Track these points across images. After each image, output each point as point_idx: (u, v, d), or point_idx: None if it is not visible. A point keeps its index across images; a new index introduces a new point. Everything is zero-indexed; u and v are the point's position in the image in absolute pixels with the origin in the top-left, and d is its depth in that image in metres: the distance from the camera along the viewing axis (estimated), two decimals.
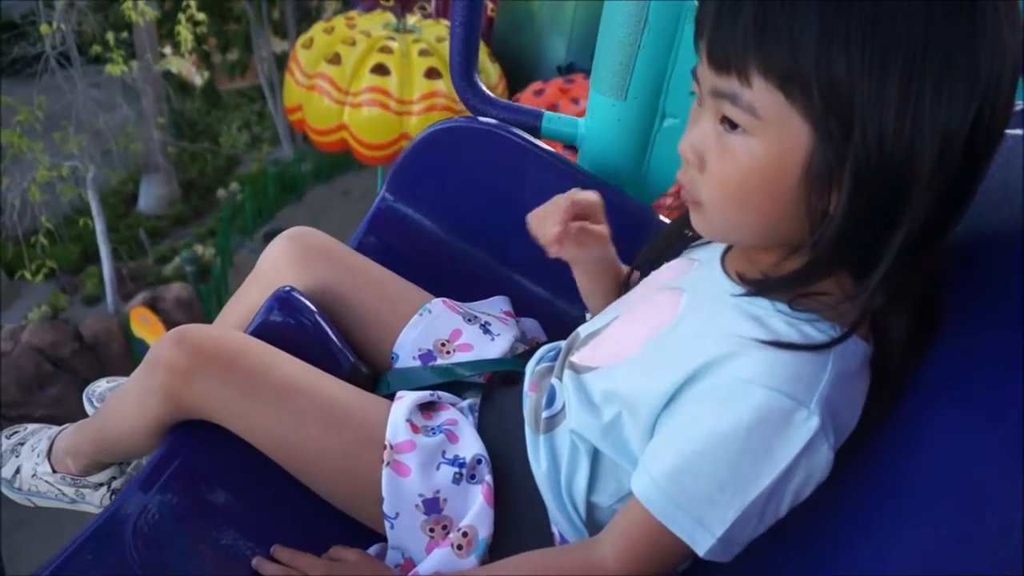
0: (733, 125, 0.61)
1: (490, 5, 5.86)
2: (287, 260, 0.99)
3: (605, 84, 1.19)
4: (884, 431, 0.67)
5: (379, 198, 1.21)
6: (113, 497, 0.97)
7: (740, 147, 0.61)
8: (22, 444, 1.03)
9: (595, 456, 0.77)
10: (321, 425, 0.81)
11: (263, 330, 0.90)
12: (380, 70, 5.42)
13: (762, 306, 0.67)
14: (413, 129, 5.41)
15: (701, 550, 0.64)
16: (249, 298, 1.01)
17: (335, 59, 5.57)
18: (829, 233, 0.60)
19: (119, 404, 0.89)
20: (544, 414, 0.82)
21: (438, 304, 1.01)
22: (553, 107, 4.60)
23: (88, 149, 6.44)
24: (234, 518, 0.82)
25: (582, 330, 0.87)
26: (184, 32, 6.17)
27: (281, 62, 10.98)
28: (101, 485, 0.99)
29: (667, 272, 0.83)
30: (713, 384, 0.65)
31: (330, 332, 0.93)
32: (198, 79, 9.28)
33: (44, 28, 5.79)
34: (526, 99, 4.97)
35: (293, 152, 10.31)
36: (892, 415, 0.67)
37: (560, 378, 0.83)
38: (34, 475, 0.99)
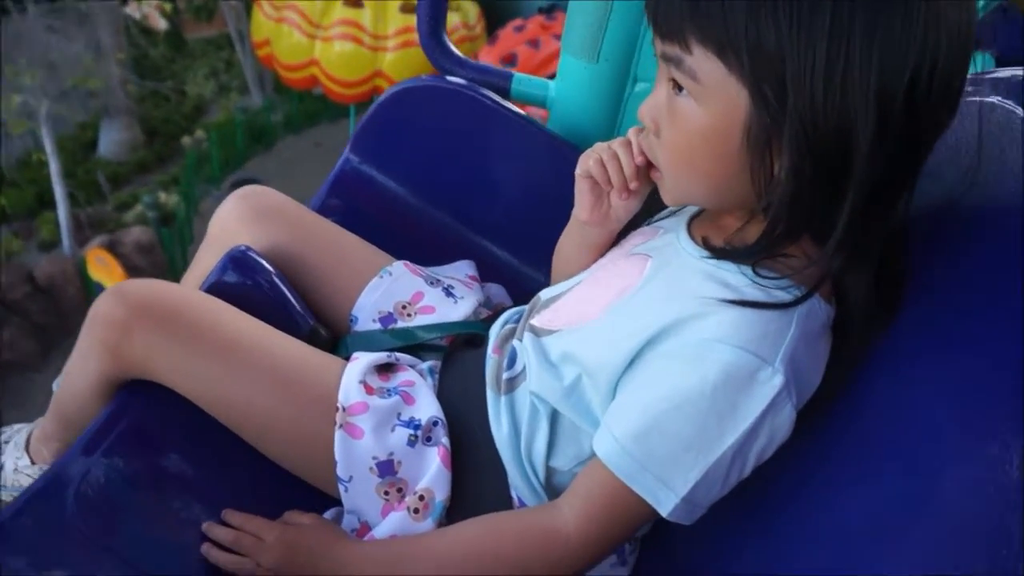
0: (680, 88, 0.64)
1: None
2: (238, 221, 0.97)
3: (576, 46, 1.19)
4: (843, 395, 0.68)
5: (342, 159, 1.19)
6: None
7: (686, 110, 0.64)
8: (7, 443, 1.01)
9: (555, 418, 0.77)
10: (271, 384, 0.80)
11: (217, 290, 0.87)
12: (353, 2, 5.20)
13: (728, 269, 0.69)
14: (388, 66, 5.21)
15: (665, 511, 0.65)
16: (203, 263, 0.98)
17: None
18: (778, 197, 0.62)
19: (67, 372, 0.89)
20: (505, 375, 0.82)
21: (399, 266, 1.00)
22: (534, 43, 4.42)
23: (42, 82, 6.10)
24: (183, 482, 0.80)
25: (543, 294, 0.88)
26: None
27: (250, 8, 10.61)
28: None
29: (634, 239, 0.85)
30: (679, 344, 0.66)
31: (288, 293, 0.91)
32: (162, 23, 8.89)
33: None
34: (506, 36, 4.81)
35: (263, 101, 9.99)
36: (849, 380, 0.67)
37: (520, 339, 0.83)
38: (15, 470, 0.97)
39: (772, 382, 0.62)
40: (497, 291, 1.11)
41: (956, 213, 0.70)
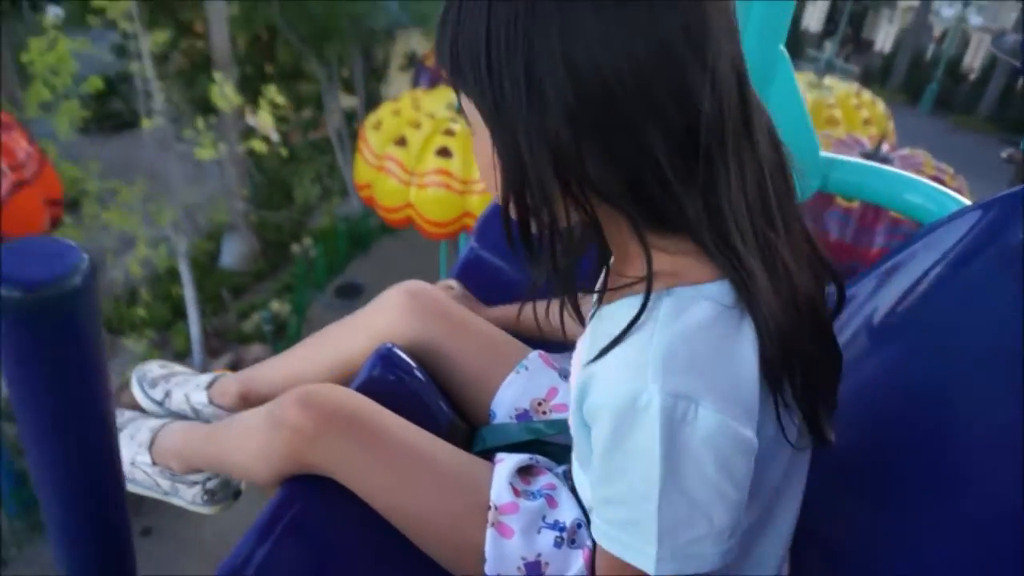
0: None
1: None
2: (402, 314, 1.00)
3: None
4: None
5: (467, 248, 1.27)
6: (206, 496, 1.04)
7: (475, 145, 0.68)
8: (120, 430, 1.07)
9: None
10: (429, 486, 0.84)
11: (368, 387, 0.92)
12: (444, 153, 5.83)
13: (596, 318, 0.69)
14: (474, 207, 5.79)
15: (652, 569, 0.61)
16: (354, 342, 1.02)
17: (402, 142, 6.02)
18: (546, 225, 0.63)
19: (240, 445, 0.92)
20: None
21: (535, 359, 1.00)
22: None
23: (181, 220, 7.04)
24: (342, 571, 0.85)
25: None
26: (265, 115, 6.71)
27: (350, 118, 11.65)
28: (196, 483, 1.04)
29: None
30: (586, 416, 0.64)
31: (430, 389, 0.97)
32: (275, 135, 9.91)
33: (146, 123, 6.38)
34: None
35: (361, 206, 10.89)
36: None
37: None
38: (132, 463, 1.04)
39: (652, 403, 0.56)
40: None
41: None
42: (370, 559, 0.87)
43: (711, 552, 0.60)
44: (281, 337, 8.14)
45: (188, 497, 1.04)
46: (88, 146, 12.42)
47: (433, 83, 7.96)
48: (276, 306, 8.68)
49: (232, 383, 1.10)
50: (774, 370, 0.61)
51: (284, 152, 7.94)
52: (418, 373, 0.96)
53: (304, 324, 8.70)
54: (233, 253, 9.58)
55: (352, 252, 10.41)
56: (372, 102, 11.49)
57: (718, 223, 0.61)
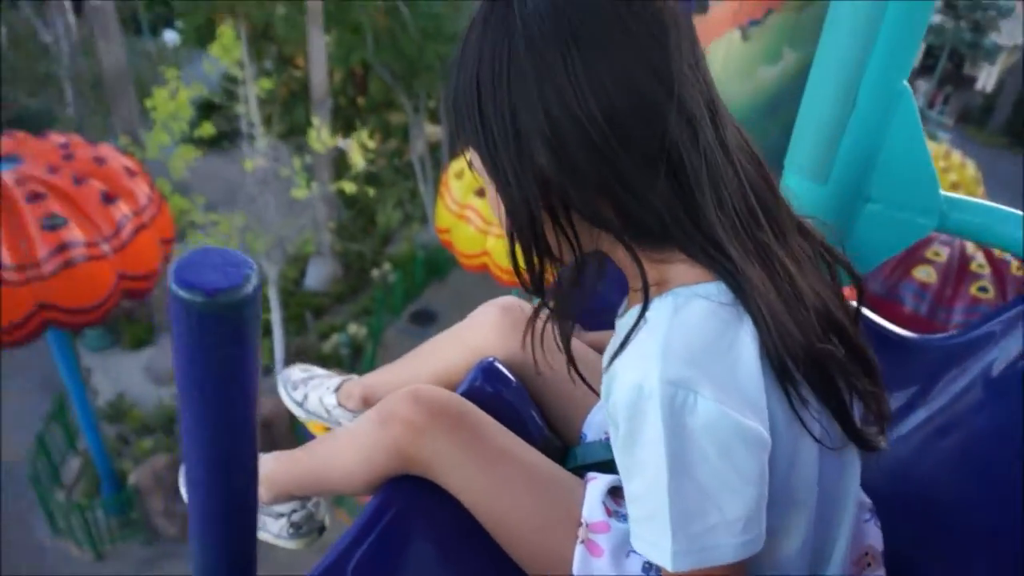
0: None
1: None
2: (496, 330, 1.01)
3: (803, 166, 1.14)
4: None
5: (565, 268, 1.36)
6: (291, 530, 1.05)
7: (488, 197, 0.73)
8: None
9: None
10: (525, 494, 0.84)
11: (468, 395, 0.94)
12: None
13: (616, 330, 0.73)
14: None
15: (669, 564, 0.62)
16: (447, 355, 1.05)
17: (481, 192, 6.32)
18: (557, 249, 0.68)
19: (341, 450, 0.93)
20: None
21: None
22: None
23: (271, 250, 7.54)
24: (441, 570, 0.88)
25: None
26: (356, 158, 7.14)
27: (434, 149, 12.11)
28: (282, 515, 1.04)
29: None
30: (609, 418, 0.67)
31: (527, 404, 0.98)
32: (361, 163, 10.38)
33: (248, 164, 6.87)
34: None
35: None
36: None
37: None
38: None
39: (653, 392, 0.59)
40: None
41: None
42: (462, 564, 0.88)
43: (726, 543, 0.61)
44: (358, 360, 8.55)
45: (274, 530, 1.05)
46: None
47: None
48: (353, 329, 9.12)
49: (356, 386, 1.13)
50: (779, 364, 0.63)
51: (371, 192, 8.33)
52: (516, 387, 0.98)
53: (379, 349, 9.10)
54: (317, 275, 10.12)
55: (428, 279, 10.79)
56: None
57: (704, 235, 0.64)
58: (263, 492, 0.99)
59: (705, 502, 0.60)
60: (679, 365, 0.60)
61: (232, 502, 0.60)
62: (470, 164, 0.71)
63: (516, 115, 0.63)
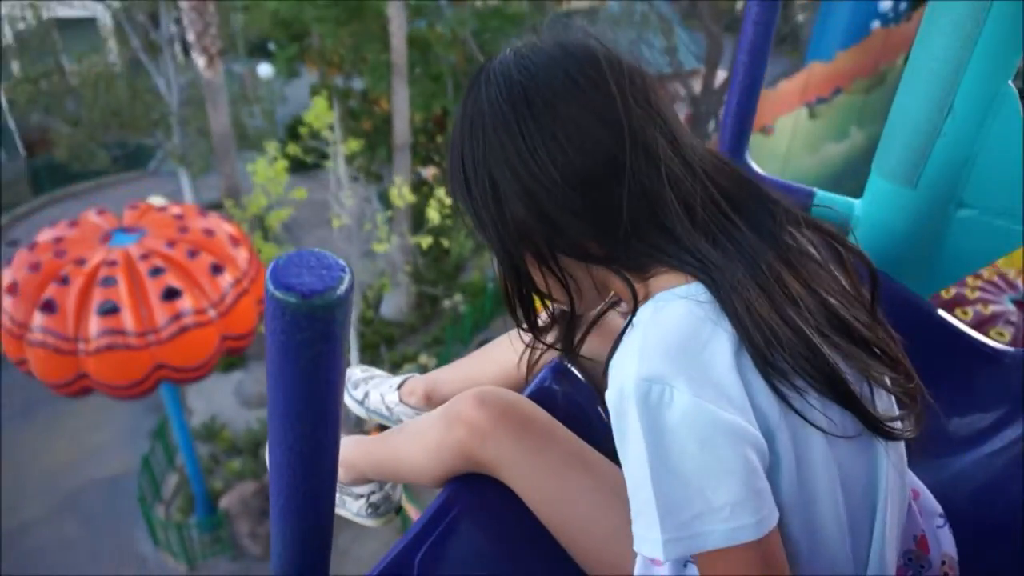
0: None
1: None
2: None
3: (892, 169, 1.10)
4: None
5: None
6: (369, 509, 1.07)
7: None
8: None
9: None
10: (589, 498, 0.83)
11: (538, 395, 0.94)
12: None
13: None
14: None
15: (660, 554, 0.62)
16: (512, 354, 1.02)
17: None
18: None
19: (412, 443, 0.94)
20: None
21: None
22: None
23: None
24: (499, 571, 0.87)
25: None
26: (432, 213, 7.63)
27: None
28: (360, 496, 1.07)
29: None
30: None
31: (595, 405, 0.97)
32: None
33: (336, 221, 7.45)
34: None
35: None
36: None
37: None
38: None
39: (630, 389, 0.61)
40: None
41: None
42: (525, 563, 0.88)
43: (714, 529, 0.61)
44: None
45: (354, 509, 1.07)
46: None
47: None
48: (424, 359, 9.63)
49: (419, 383, 1.16)
50: (760, 357, 0.63)
51: (446, 244, 8.83)
52: (585, 387, 0.98)
53: None
54: (391, 306, 10.71)
55: (496, 310, 11.18)
56: None
57: (679, 247, 0.68)
58: (342, 473, 1.03)
59: (688, 491, 0.61)
60: (654, 361, 0.62)
61: (313, 485, 0.61)
62: (469, 227, 0.78)
63: (494, 183, 0.70)
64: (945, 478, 0.81)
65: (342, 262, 0.49)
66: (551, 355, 0.93)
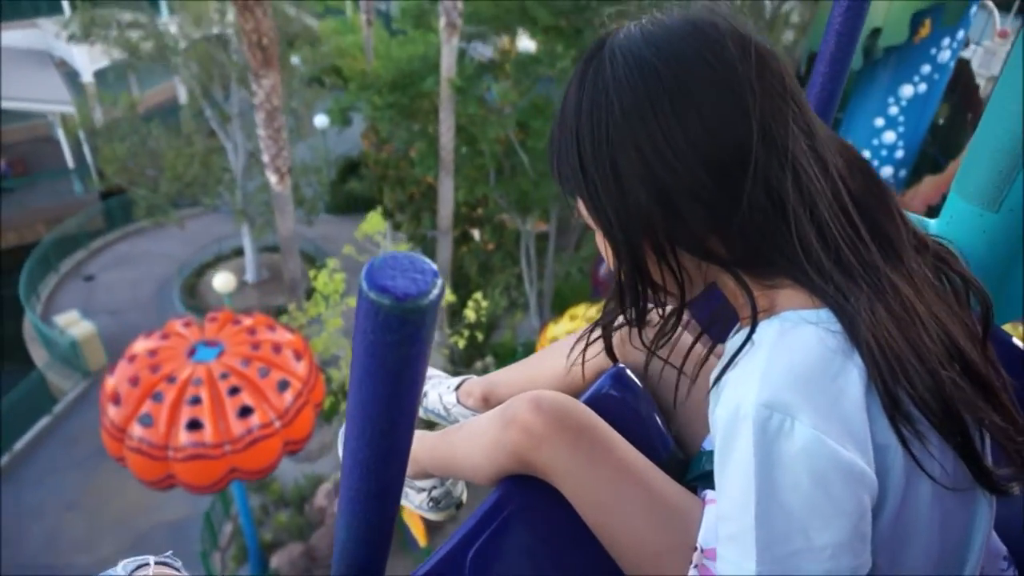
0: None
1: None
2: (622, 335, 0.99)
3: (974, 191, 1.09)
4: None
5: None
6: (431, 503, 1.11)
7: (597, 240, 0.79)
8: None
9: None
10: (640, 512, 0.82)
11: (596, 401, 0.94)
12: None
13: (725, 349, 0.73)
14: None
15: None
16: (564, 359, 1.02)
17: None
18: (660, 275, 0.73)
19: (469, 442, 0.95)
20: None
21: None
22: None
23: None
24: (548, 572, 0.89)
25: None
26: (470, 313, 8.51)
27: (540, 242, 13.31)
28: (423, 490, 1.11)
29: None
30: (712, 432, 0.71)
31: (654, 414, 0.97)
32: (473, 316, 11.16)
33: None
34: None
35: (540, 324, 12.49)
36: None
37: None
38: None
39: (748, 412, 0.60)
40: None
41: None
42: (575, 566, 0.89)
43: (811, 569, 0.59)
44: None
45: (416, 501, 1.11)
46: (328, 223, 15.05)
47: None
48: (480, 365, 10.41)
49: (476, 385, 1.16)
50: (890, 398, 0.61)
51: (480, 336, 9.68)
52: (644, 395, 0.97)
53: None
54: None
55: None
56: (562, 228, 13.15)
57: (806, 261, 0.65)
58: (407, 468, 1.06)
59: (792, 526, 0.59)
60: (778, 389, 0.60)
61: (383, 481, 0.62)
62: (577, 212, 0.77)
63: (616, 166, 0.68)
64: (1010, 517, 0.79)
65: (435, 267, 0.49)
66: (601, 359, 0.94)
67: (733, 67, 0.66)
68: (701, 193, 0.66)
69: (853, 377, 0.61)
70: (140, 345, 6.82)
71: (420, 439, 1.03)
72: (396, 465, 0.61)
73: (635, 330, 0.81)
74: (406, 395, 0.54)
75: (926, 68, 6.55)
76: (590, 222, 0.74)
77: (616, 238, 0.71)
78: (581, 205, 0.74)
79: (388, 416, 0.55)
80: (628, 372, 0.96)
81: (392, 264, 0.48)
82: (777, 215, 0.66)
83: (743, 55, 0.66)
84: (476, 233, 13.12)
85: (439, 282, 0.47)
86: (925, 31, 6.22)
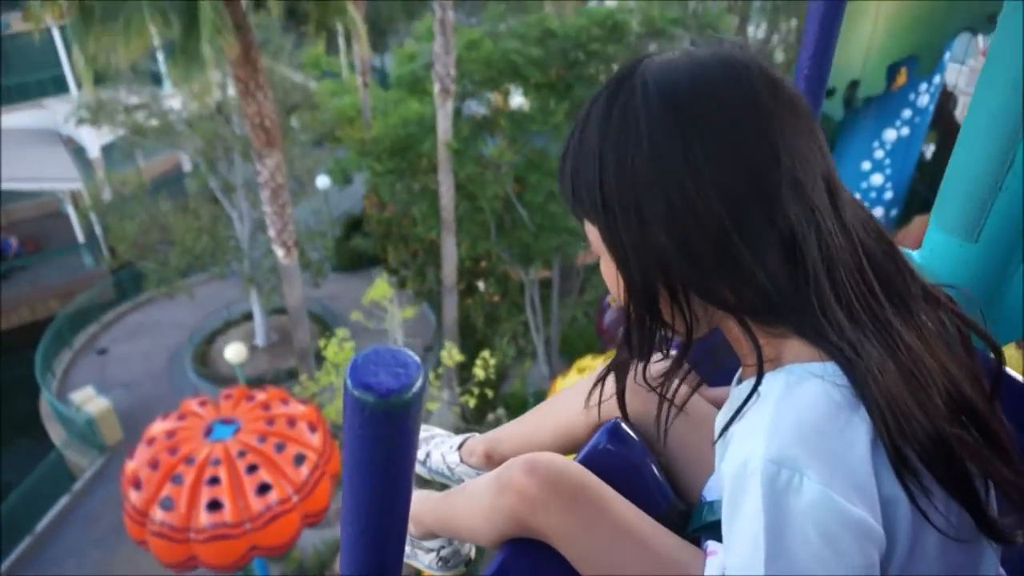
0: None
1: None
2: (631, 388, 0.97)
3: (951, 222, 1.09)
4: None
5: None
6: (440, 563, 1.11)
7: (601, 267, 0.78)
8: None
9: None
10: (642, 572, 0.82)
11: (592, 457, 0.94)
12: None
13: (729, 397, 0.75)
14: None
15: None
16: (571, 411, 1.03)
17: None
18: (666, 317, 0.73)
19: (468, 506, 0.95)
20: None
21: None
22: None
23: None
24: None
25: None
26: (479, 371, 8.64)
27: (544, 289, 13.50)
28: (431, 551, 1.11)
29: None
30: (720, 485, 0.69)
31: (652, 466, 0.97)
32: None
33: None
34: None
35: (549, 372, 12.61)
36: None
37: None
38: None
39: (756, 467, 0.60)
40: None
41: None
42: None
43: None
44: None
45: (426, 562, 1.11)
46: (335, 281, 15.27)
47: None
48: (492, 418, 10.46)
49: (479, 443, 1.16)
50: (896, 454, 0.61)
51: (490, 394, 9.80)
52: (641, 448, 0.97)
53: None
54: (438, 421, 11.73)
55: None
56: (565, 274, 13.34)
57: (818, 314, 0.64)
58: (413, 528, 1.06)
59: None
60: (786, 444, 0.60)
61: (380, 560, 0.63)
62: (585, 236, 0.76)
63: (641, 208, 0.66)
64: (1017, 562, 0.80)
65: (416, 359, 0.50)
66: (606, 408, 0.94)
67: (769, 115, 0.65)
68: (725, 244, 0.65)
69: (860, 431, 0.62)
70: (158, 427, 6.95)
71: (423, 500, 1.03)
72: (391, 544, 0.63)
73: (640, 368, 0.82)
74: (397, 480, 0.56)
75: (907, 113, 6.73)
76: (599, 248, 0.74)
77: (631, 273, 0.71)
78: (593, 230, 0.73)
79: (379, 502, 0.58)
80: (623, 425, 0.97)
81: (375, 360, 0.49)
82: (797, 270, 0.65)
83: (774, 100, 0.66)
84: (481, 284, 13.33)
85: (421, 375, 0.49)
86: (902, 79, 6.42)
